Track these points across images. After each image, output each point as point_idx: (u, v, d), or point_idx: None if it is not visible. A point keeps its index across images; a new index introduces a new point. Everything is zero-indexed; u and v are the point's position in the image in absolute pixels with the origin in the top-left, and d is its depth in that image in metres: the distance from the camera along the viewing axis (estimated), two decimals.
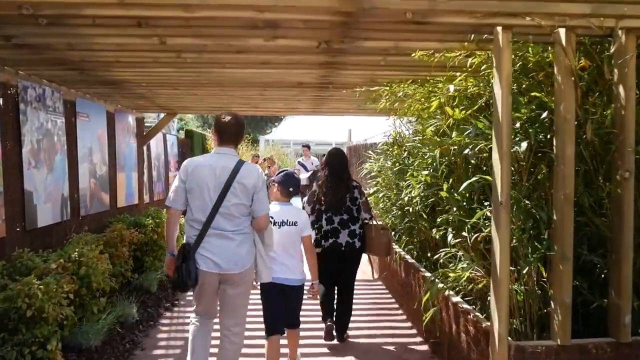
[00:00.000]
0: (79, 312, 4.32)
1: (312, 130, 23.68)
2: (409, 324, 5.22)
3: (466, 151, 3.70)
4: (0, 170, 4.15)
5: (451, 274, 3.45)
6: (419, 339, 4.79)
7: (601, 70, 3.18)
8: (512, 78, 3.09)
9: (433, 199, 4.88)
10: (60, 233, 5.31)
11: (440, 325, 4.08)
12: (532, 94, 3.30)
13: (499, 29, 2.97)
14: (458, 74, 4.20)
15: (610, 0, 2.93)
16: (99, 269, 4.46)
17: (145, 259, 6.33)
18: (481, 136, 3.61)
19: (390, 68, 4.38)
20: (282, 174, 3.82)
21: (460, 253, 3.91)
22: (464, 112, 3.96)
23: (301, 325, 4.05)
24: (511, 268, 3.15)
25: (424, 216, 5.09)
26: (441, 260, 3.93)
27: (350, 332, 4.89)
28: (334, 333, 4.56)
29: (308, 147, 13.58)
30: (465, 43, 3.46)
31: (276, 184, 3.77)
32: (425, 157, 4.83)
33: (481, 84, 3.94)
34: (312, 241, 3.95)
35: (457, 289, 3.75)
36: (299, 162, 13.13)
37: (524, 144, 3.14)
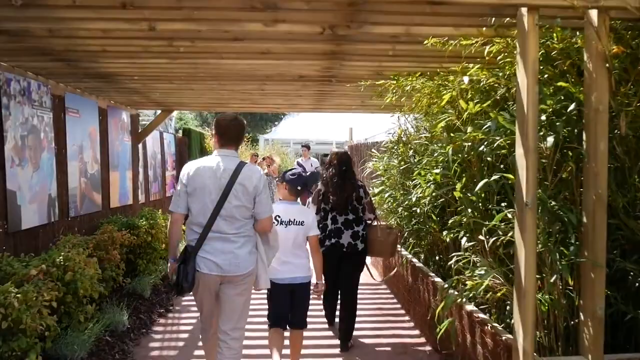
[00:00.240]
0: (64, 320, 4.03)
1: (312, 129, 23.42)
2: (416, 332, 4.92)
3: (481, 148, 3.42)
4: None
5: (468, 282, 3.14)
6: (428, 349, 4.49)
7: (636, 57, 2.88)
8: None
9: (443, 200, 4.59)
10: (47, 235, 5.01)
11: (449, 330, 3.78)
12: (558, 83, 3.00)
13: (524, 10, 2.67)
14: (471, 65, 3.93)
15: None
16: (86, 274, 4.16)
17: (138, 262, 6.03)
18: (499, 131, 3.32)
19: (399, 58, 4.08)
20: (290, 172, 3.77)
21: (475, 258, 3.62)
22: (478, 105, 3.67)
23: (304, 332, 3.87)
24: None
25: (434, 217, 4.79)
26: (454, 266, 3.62)
27: (354, 340, 4.65)
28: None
29: (308, 147, 13.04)
30: (484, 29, 3.16)
31: (284, 183, 3.72)
32: (435, 154, 4.55)
33: (500, 74, 3.64)
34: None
35: (471, 295, 3.44)
36: (297, 163, 12.72)
37: (550, 139, 2.84)
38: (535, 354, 2.72)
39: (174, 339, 4.76)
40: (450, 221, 4.06)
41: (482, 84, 3.93)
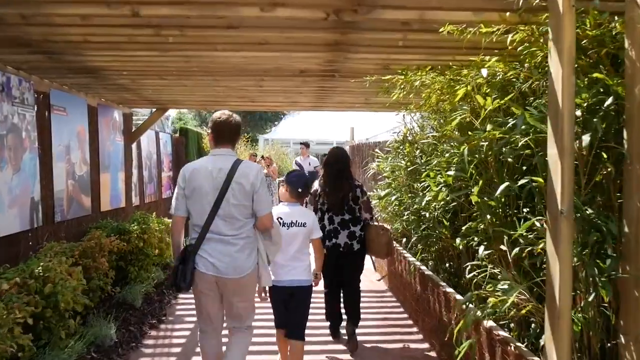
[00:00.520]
0: (44, 337, 3.68)
1: (312, 129, 23.15)
2: (426, 345, 4.58)
3: (500, 148, 3.09)
4: None
5: (491, 299, 2.80)
6: None
7: None
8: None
9: (455, 204, 4.25)
10: (29, 242, 4.67)
11: (468, 352, 3.44)
12: (593, 75, 2.65)
13: None
14: (488, 57, 3.60)
15: None
16: (68, 285, 3.82)
17: (129, 269, 5.69)
18: (521, 129, 2.99)
19: (409, 50, 3.74)
20: (292, 174, 3.76)
21: (495, 270, 3.28)
22: (497, 101, 3.33)
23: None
24: None
25: (445, 223, 4.45)
26: (474, 280, 3.28)
27: (360, 352, 4.38)
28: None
29: (306, 145, 12.22)
30: (507, 14, 2.82)
31: (285, 185, 3.69)
32: (446, 155, 4.22)
33: (520, 67, 3.31)
34: None
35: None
36: (296, 162, 12.20)
37: (586, 137, 2.50)
38: None
39: (166, 353, 4.42)
40: (464, 227, 3.73)
41: (498, 77, 3.61)
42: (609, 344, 2.68)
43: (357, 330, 4.52)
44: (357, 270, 4.54)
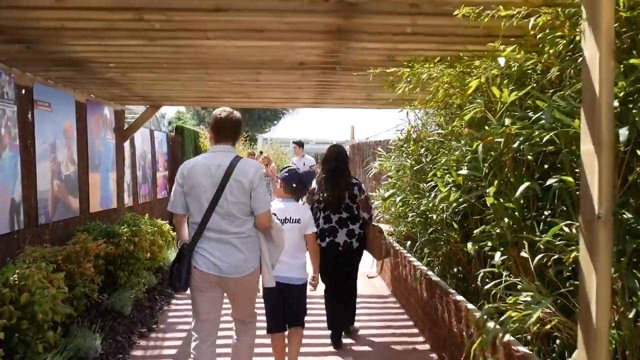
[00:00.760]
0: (19, 351, 3.38)
1: (311, 128, 22.90)
2: (434, 356, 4.28)
3: (517, 144, 2.79)
4: None
5: (513, 313, 2.49)
6: None
7: None
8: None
9: (464, 205, 3.95)
10: (9, 247, 4.36)
11: None
12: (630, 61, 2.35)
13: None
14: (503, 47, 3.31)
15: None
16: (47, 294, 3.52)
17: (119, 274, 5.38)
18: (544, 124, 2.70)
19: (417, 38, 3.44)
20: (285, 170, 3.73)
21: (512, 277, 2.98)
22: (515, 93, 3.04)
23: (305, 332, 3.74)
24: None
25: (455, 226, 4.15)
26: (491, 290, 2.98)
27: None
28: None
29: (300, 144, 11.44)
30: None
31: (279, 181, 3.68)
32: (455, 153, 3.93)
33: (537, 56, 3.01)
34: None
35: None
36: (292, 163, 11.66)
37: (624, 131, 2.19)
38: None
39: None
40: (476, 231, 3.43)
41: (513, 68, 3.32)
42: None
43: (359, 339, 4.41)
44: (355, 267, 4.53)
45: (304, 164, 10.70)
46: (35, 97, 4.90)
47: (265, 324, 3.65)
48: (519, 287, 2.79)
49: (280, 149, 22.00)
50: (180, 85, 5.45)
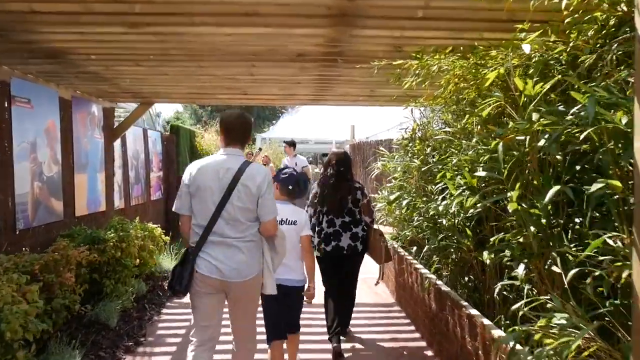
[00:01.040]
0: None
1: (311, 128, 22.48)
2: None
3: (542, 142, 2.46)
4: None
5: (547, 340, 2.13)
6: None
7: None
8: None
9: (479, 210, 3.59)
10: None
11: None
12: None
13: None
14: (523, 34, 2.98)
15: None
16: (17, 310, 3.16)
17: (105, 283, 5.02)
18: (573, 119, 2.37)
19: (427, 24, 3.09)
20: (281, 171, 3.69)
21: (535, 291, 2.64)
22: (540, 85, 2.70)
23: (302, 333, 3.77)
24: None
25: (468, 232, 3.79)
26: (520, 312, 2.63)
27: None
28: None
29: (291, 143, 10.75)
30: None
31: (275, 182, 3.58)
32: (469, 152, 3.60)
33: (584, 36, 2.67)
34: (314, 244, 3.93)
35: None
36: (283, 163, 11.06)
37: None
38: None
39: None
40: (493, 239, 3.07)
41: (535, 58, 2.99)
42: None
43: (362, 353, 4.32)
44: (357, 269, 4.52)
45: (296, 164, 10.19)
46: (13, 92, 4.54)
47: (264, 336, 3.52)
48: (548, 305, 2.45)
49: (279, 148, 21.62)
50: (171, 80, 5.09)
